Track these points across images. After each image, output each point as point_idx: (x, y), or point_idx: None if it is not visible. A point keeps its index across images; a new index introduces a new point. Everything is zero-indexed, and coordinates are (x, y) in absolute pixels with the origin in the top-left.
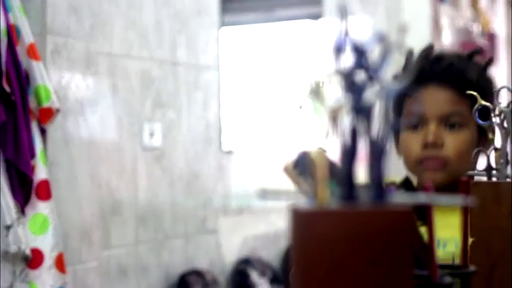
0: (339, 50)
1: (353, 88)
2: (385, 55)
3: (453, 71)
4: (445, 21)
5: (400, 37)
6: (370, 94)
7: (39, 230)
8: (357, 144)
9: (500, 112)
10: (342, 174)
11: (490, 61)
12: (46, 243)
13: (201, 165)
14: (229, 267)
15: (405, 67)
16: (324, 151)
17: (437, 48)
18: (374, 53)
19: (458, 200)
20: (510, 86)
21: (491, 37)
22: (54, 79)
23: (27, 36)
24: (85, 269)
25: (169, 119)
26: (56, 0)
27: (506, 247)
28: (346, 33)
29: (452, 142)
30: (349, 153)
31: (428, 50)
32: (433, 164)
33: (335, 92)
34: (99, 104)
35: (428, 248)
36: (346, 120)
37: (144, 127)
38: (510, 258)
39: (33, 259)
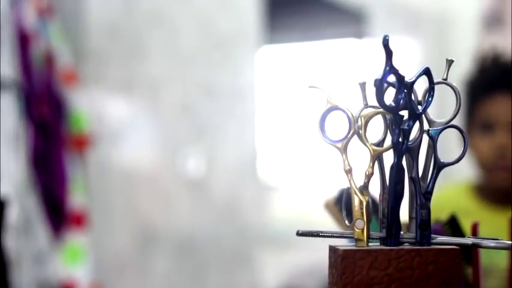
0: (383, 86)
1: (397, 125)
2: (430, 92)
3: None
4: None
5: (446, 72)
6: (415, 132)
7: (73, 259)
8: (401, 183)
9: None
10: (384, 214)
11: None
12: (80, 273)
13: (240, 195)
14: None
15: (476, 73)
16: (366, 190)
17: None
18: (419, 90)
19: (507, 244)
20: None
21: None
22: (92, 105)
23: (65, 60)
24: None
25: (209, 146)
26: (95, 24)
27: None
28: (391, 69)
29: None
30: (393, 193)
31: (496, 58)
32: (504, 166)
33: (378, 130)
34: (137, 130)
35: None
36: (391, 159)
37: (180, 154)
38: None
39: None
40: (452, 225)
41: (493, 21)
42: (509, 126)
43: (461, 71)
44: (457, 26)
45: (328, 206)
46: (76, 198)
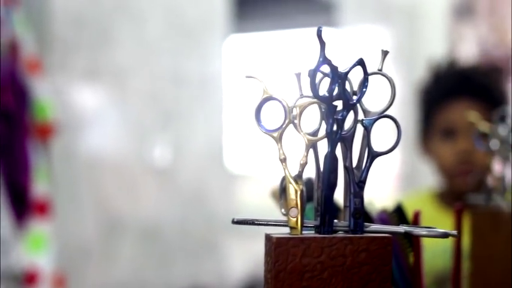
0: (315, 77)
1: (331, 115)
2: (364, 82)
3: (485, 86)
4: (462, 35)
5: (381, 63)
6: (349, 122)
7: (36, 247)
8: (335, 172)
9: (500, 138)
10: (319, 202)
11: (506, 74)
12: (44, 261)
13: (207, 183)
14: (235, 284)
15: (433, 78)
16: (301, 178)
17: (463, 62)
18: (354, 80)
19: (439, 232)
20: None
21: (509, 50)
22: (57, 93)
23: (30, 49)
24: (87, 287)
25: (176, 135)
26: (61, 12)
27: (505, 276)
28: (325, 60)
29: (483, 152)
30: (327, 182)
31: (456, 64)
32: (467, 170)
33: (314, 119)
34: (103, 119)
35: (415, 275)
36: (325, 148)
37: (148, 143)
38: (509, 287)
39: (30, 277)
40: (399, 214)
41: (463, 11)
42: (470, 131)
43: (432, 58)
44: (427, 16)
45: (273, 195)
46: (40, 187)
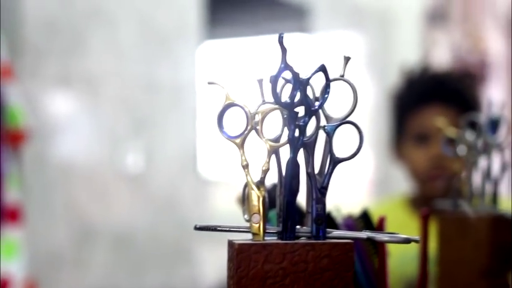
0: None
1: (293, 121)
2: (326, 88)
3: (457, 92)
4: (436, 41)
5: (344, 69)
6: (311, 128)
7: (8, 254)
8: (297, 178)
9: (467, 143)
10: (281, 208)
11: (479, 79)
12: (15, 268)
13: (179, 188)
14: None
15: (406, 84)
16: (263, 184)
17: (436, 68)
18: (316, 86)
19: (401, 238)
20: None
21: (484, 57)
22: (28, 100)
23: (1, 55)
24: None
25: (148, 141)
26: (32, 18)
27: (471, 281)
28: (286, 66)
29: (460, 159)
30: (289, 188)
31: (428, 70)
32: (438, 176)
33: (276, 126)
34: (75, 125)
35: (380, 281)
36: (287, 154)
37: (120, 149)
38: None
39: (3, 284)
40: (365, 220)
41: (437, 17)
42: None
43: (405, 64)
44: (401, 21)
45: (238, 201)
46: (11, 194)
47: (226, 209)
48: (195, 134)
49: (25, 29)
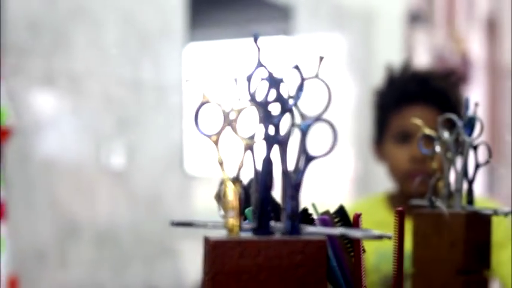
0: (250, 81)
1: (268, 118)
2: (301, 85)
3: (440, 93)
4: (418, 43)
5: (318, 68)
6: (286, 125)
7: None
8: (271, 175)
9: (444, 142)
10: (256, 204)
11: (460, 79)
12: None
13: (163, 186)
14: None
15: (388, 83)
16: (238, 181)
17: (418, 68)
18: (291, 84)
19: (373, 233)
20: (483, 112)
21: (466, 59)
22: (12, 98)
23: None
24: None
25: (131, 139)
26: (15, 17)
27: (447, 278)
28: (261, 65)
29: (437, 158)
30: (263, 184)
31: (411, 69)
32: (418, 175)
33: (251, 122)
34: (58, 123)
35: (355, 278)
36: (262, 151)
37: (104, 147)
38: None
39: None
40: (341, 216)
41: (418, 18)
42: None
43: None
44: (383, 22)
45: (216, 197)
46: None
47: (210, 205)
48: (181, 132)
49: (8, 27)
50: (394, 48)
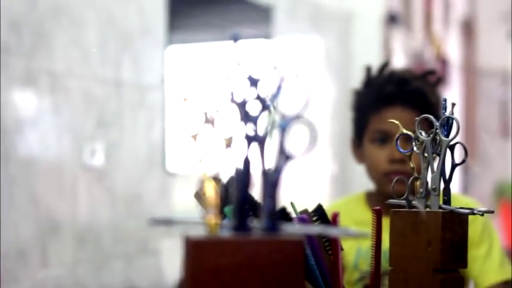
0: (233, 80)
1: (247, 117)
2: (280, 85)
3: (418, 95)
4: (396, 45)
5: (297, 69)
6: (265, 124)
7: None
8: (249, 173)
9: (421, 141)
10: (235, 203)
11: (439, 81)
12: None
13: (144, 185)
14: (172, 286)
15: (367, 84)
16: (218, 179)
17: (397, 69)
18: (270, 83)
19: (352, 231)
20: (460, 113)
21: (443, 62)
22: None
23: None
24: None
25: (112, 138)
26: None
27: (424, 276)
28: (241, 64)
29: (415, 158)
30: (242, 182)
31: (390, 71)
32: (396, 176)
33: (230, 121)
34: (39, 122)
35: (333, 276)
36: (241, 150)
37: (85, 146)
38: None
39: None
40: (319, 214)
41: (395, 20)
42: (404, 136)
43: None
44: (361, 24)
45: (196, 195)
46: None
47: (190, 204)
48: (161, 131)
49: None
50: (372, 49)
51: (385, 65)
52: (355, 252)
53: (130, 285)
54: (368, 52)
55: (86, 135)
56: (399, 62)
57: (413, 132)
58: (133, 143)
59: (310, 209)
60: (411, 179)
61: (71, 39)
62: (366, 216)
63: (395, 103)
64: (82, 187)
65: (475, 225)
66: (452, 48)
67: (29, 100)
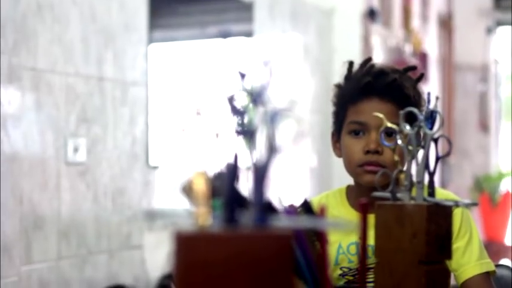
0: (221, 75)
1: (236, 111)
2: (268, 80)
3: (395, 87)
4: (376, 41)
5: (283, 65)
6: (254, 118)
7: None
8: (238, 167)
9: (406, 135)
10: (224, 197)
11: (421, 77)
12: None
13: (127, 180)
14: (154, 282)
15: (347, 77)
16: (205, 173)
17: (377, 63)
18: (259, 78)
19: (341, 225)
20: (440, 106)
21: (422, 57)
22: None
23: None
24: (5, 284)
25: (95, 134)
26: None
27: (409, 268)
28: (231, 62)
29: (390, 150)
30: (231, 176)
31: (369, 64)
32: (373, 168)
33: (220, 114)
34: (22, 118)
35: (321, 269)
36: (229, 144)
37: (68, 142)
38: (413, 279)
39: None
40: (306, 208)
41: (375, 16)
42: (378, 130)
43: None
44: (341, 20)
45: (184, 190)
46: None
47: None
48: (145, 126)
49: None
50: (352, 45)
51: (367, 60)
52: (336, 249)
53: (114, 279)
54: (348, 47)
55: (69, 131)
56: (379, 57)
57: (395, 124)
58: (116, 138)
59: (293, 202)
60: (395, 171)
61: (54, 36)
62: (346, 212)
63: (371, 95)
64: (65, 183)
65: (454, 219)
66: (431, 44)
67: (12, 96)
